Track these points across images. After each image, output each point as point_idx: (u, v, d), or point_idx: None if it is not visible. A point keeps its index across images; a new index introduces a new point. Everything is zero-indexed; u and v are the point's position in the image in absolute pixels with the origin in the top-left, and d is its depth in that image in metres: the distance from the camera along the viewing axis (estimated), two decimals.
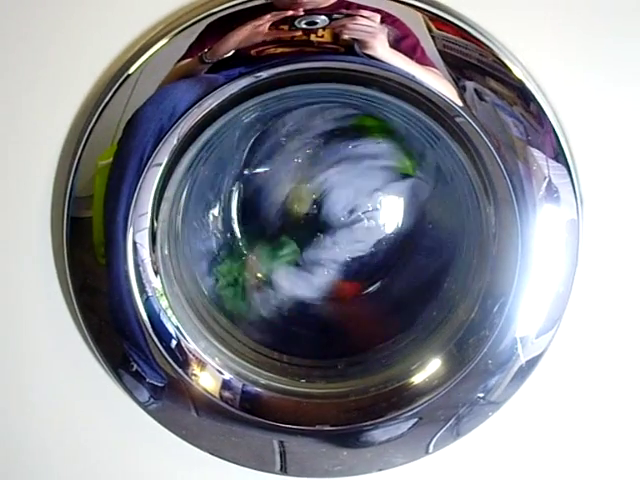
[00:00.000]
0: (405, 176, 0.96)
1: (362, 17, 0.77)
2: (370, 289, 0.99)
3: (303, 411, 0.89)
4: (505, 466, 0.93)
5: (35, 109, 0.80)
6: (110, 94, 0.79)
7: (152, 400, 0.87)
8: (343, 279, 0.98)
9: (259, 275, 0.99)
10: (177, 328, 0.87)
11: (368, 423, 0.88)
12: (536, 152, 0.80)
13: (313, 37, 0.77)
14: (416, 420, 0.87)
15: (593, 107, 0.80)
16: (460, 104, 0.79)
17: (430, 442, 0.88)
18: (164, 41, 0.78)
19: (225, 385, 0.88)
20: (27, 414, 0.91)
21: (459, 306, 0.89)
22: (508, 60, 0.79)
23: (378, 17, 0.77)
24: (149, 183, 0.82)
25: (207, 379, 0.88)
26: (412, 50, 0.78)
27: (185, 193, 0.91)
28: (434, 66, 0.78)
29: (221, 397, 0.88)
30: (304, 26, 0.77)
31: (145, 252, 0.84)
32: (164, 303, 0.87)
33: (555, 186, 0.81)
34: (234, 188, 0.97)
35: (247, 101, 0.82)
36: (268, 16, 0.77)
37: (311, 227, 0.97)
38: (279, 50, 0.77)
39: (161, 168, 0.82)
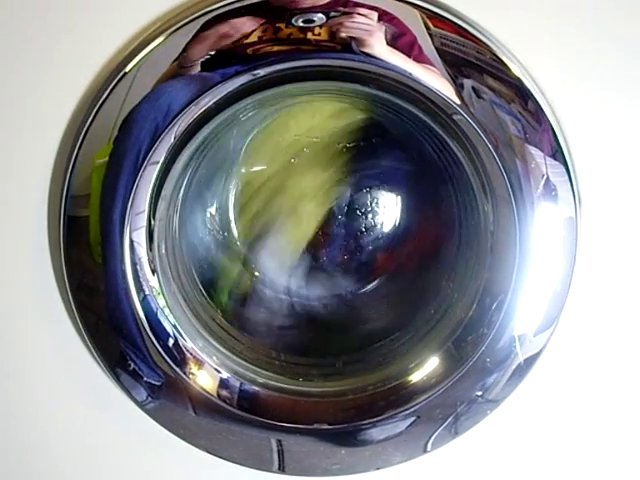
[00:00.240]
0: (403, 174, 0.96)
1: (359, 15, 0.77)
2: (368, 287, 0.99)
3: (301, 410, 0.88)
4: (503, 464, 0.93)
5: (31, 108, 0.80)
6: (107, 92, 0.79)
7: (150, 399, 0.86)
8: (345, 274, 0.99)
9: (256, 274, 0.99)
10: (174, 327, 0.87)
11: (366, 422, 0.87)
12: (534, 150, 0.80)
13: (310, 35, 0.77)
14: (414, 418, 0.87)
15: (591, 105, 0.80)
16: (458, 102, 0.79)
17: (428, 440, 0.87)
18: (161, 39, 0.78)
19: (223, 384, 0.88)
20: (24, 414, 0.90)
21: (457, 304, 0.89)
22: (506, 58, 0.78)
23: (375, 15, 0.77)
24: (146, 181, 0.81)
25: (205, 378, 0.88)
26: (409, 48, 0.77)
27: (182, 191, 0.91)
28: (431, 64, 0.78)
29: (219, 396, 0.88)
30: (301, 24, 0.76)
31: (142, 251, 0.84)
32: (161, 302, 0.86)
33: (553, 184, 0.80)
34: (231, 186, 0.97)
35: (244, 99, 0.81)
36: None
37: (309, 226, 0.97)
38: (275, 48, 0.77)
39: (158, 166, 0.81)
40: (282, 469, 0.89)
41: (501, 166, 0.80)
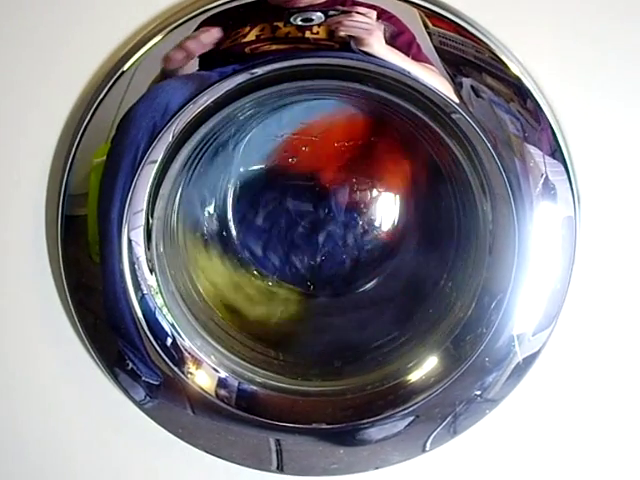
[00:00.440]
0: (402, 173, 0.96)
1: (358, 14, 0.76)
2: (366, 286, 0.99)
3: (299, 409, 0.88)
4: (502, 464, 0.92)
5: (29, 106, 0.80)
6: (104, 91, 0.78)
7: (148, 399, 0.86)
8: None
9: (255, 272, 0.99)
10: (172, 326, 0.87)
11: (365, 421, 0.87)
12: (533, 149, 0.80)
13: (308, 34, 0.77)
14: (413, 418, 0.87)
15: (590, 104, 0.80)
16: (456, 101, 0.79)
17: (427, 440, 0.87)
18: (158, 38, 0.77)
19: (221, 383, 0.88)
20: (22, 413, 0.90)
21: (456, 303, 0.89)
22: (505, 56, 0.78)
23: (374, 14, 0.77)
24: (144, 180, 0.81)
25: (203, 377, 0.88)
26: (408, 47, 0.77)
27: (180, 190, 0.91)
28: (430, 63, 0.78)
29: (217, 395, 0.88)
30: (300, 23, 0.76)
31: (140, 250, 0.84)
32: (159, 301, 0.86)
33: (552, 183, 0.80)
34: (230, 185, 0.97)
35: (242, 98, 0.81)
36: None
37: (308, 224, 0.97)
38: (274, 47, 0.77)
39: (156, 165, 0.81)
40: (281, 469, 0.89)
41: (500, 165, 0.80)
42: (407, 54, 0.77)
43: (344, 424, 0.88)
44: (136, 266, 0.84)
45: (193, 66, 0.77)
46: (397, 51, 0.77)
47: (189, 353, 0.87)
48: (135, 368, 0.85)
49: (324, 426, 0.88)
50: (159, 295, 0.86)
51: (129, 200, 0.81)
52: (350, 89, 0.85)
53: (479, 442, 0.90)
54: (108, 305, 0.84)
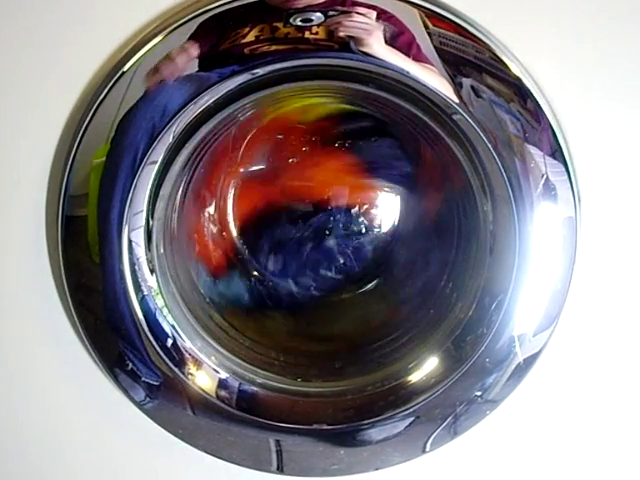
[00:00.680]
0: (402, 173, 0.96)
1: (358, 14, 0.76)
2: (367, 287, 0.99)
3: (300, 410, 0.88)
4: (503, 465, 0.92)
5: (29, 107, 0.80)
6: (105, 92, 0.78)
7: (148, 399, 0.86)
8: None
9: (255, 274, 0.99)
10: (173, 327, 0.87)
11: (365, 422, 0.87)
12: (533, 149, 0.79)
13: (307, 34, 0.76)
14: (413, 419, 0.87)
15: (591, 104, 0.80)
16: (456, 101, 0.78)
17: (427, 441, 0.87)
18: (159, 38, 0.77)
19: (221, 384, 0.88)
20: (22, 413, 0.90)
21: (456, 304, 0.89)
22: (505, 57, 0.78)
23: (374, 14, 0.76)
24: (144, 181, 0.81)
25: (203, 378, 0.88)
26: (408, 47, 0.77)
27: (181, 191, 0.91)
28: (430, 63, 0.77)
29: (217, 396, 0.88)
30: (299, 23, 0.76)
31: (140, 251, 0.84)
32: (160, 302, 0.86)
33: (552, 183, 0.80)
34: (230, 186, 0.97)
35: (243, 98, 0.81)
36: None
37: (308, 226, 0.97)
38: (273, 48, 0.77)
39: (156, 166, 0.81)
40: (281, 469, 0.89)
41: (500, 165, 0.80)
42: (407, 54, 0.77)
43: (344, 425, 0.88)
44: (136, 267, 0.84)
45: (193, 67, 0.77)
46: (397, 51, 0.77)
47: (189, 354, 0.87)
48: (135, 369, 0.85)
49: (324, 427, 0.88)
50: (160, 296, 0.86)
51: (129, 201, 0.81)
52: (350, 89, 0.85)
53: (479, 443, 0.90)
54: (108, 306, 0.84)
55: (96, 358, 0.85)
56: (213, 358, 0.89)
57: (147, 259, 0.85)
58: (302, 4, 0.76)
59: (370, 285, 0.99)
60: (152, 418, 0.87)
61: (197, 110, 0.80)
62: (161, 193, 0.84)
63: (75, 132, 0.80)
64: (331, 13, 0.76)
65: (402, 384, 0.88)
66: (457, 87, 0.78)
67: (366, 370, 0.91)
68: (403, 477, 0.91)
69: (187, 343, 0.88)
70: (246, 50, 0.77)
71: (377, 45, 0.77)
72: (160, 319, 0.86)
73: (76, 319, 0.84)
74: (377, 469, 0.89)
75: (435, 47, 0.78)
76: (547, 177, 0.80)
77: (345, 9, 0.76)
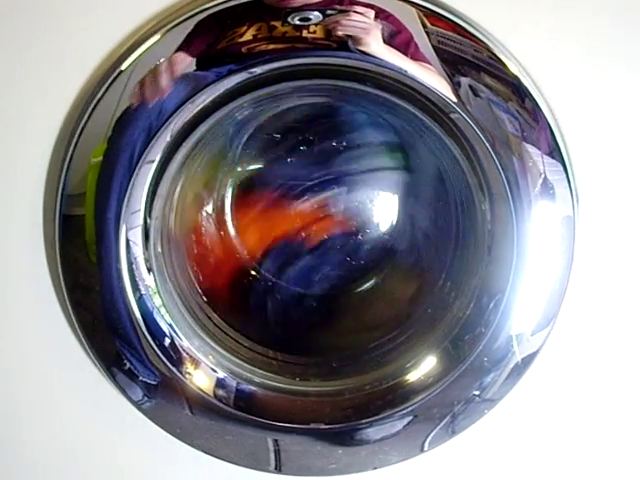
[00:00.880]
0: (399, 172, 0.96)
1: (356, 13, 0.76)
2: (365, 286, 0.99)
3: (298, 409, 0.88)
4: (501, 464, 0.92)
5: (26, 106, 0.80)
6: (102, 91, 0.78)
7: (146, 399, 0.86)
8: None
9: (253, 273, 0.99)
10: (170, 326, 0.87)
11: (363, 421, 0.87)
12: (531, 148, 0.79)
13: (305, 33, 0.76)
14: (411, 418, 0.87)
15: (589, 103, 0.80)
16: (454, 100, 0.78)
17: (425, 440, 0.87)
18: (156, 37, 0.77)
19: (219, 383, 0.88)
20: (19, 413, 0.90)
21: (454, 303, 0.89)
22: (503, 56, 0.78)
23: (372, 13, 0.76)
24: (142, 180, 0.81)
25: (201, 377, 0.88)
26: (406, 46, 0.77)
27: (178, 190, 0.91)
28: (428, 62, 0.77)
29: (215, 395, 0.87)
30: (297, 22, 0.76)
31: (138, 250, 0.84)
32: (157, 301, 0.86)
33: (550, 182, 0.80)
34: (228, 185, 0.97)
35: (240, 98, 0.81)
36: None
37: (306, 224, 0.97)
38: (270, 46, 0.77)
39: (154, 165, 0.81)
40: (279, 469, 0.89)
41: (498, 164, 0.80)
42: (405, 53, 0.77)
43: (342, 424, 0.88)
44: (134, 266, 0.84)
45: (190, 66, 0.77)
46: (395, 50, 0.77)
47: (187, 353, 0.87)
48: (133, 368, 0.85)
49: (322, 426, 0.88)
50: (157, 295, 0.86)
51: (127, 200, 0.81)
52: (348, 89, 0.84)
53: (477, 442, 0.90)
54: (106, 305, 0.83)
55: (94, 358, 0.85)
56: (211, 357, 0.89)
57: (144, 258, 0.85)
58: (300, 3, 0.76)
59: (368, 284, 0.99)
60: (150, 418, 0.87)
61: (194, 109, 0.79)
62: (159, 192, 0.84)
63: (72, 131, 0.79)
64: (329, 12, 0.76)
65: (400, 383, 0.88)
66: (455, 86, 0.78)
67: (364, 369, 0.91)
68: (401, 476, 0.91)
69: (185, 342, 0.87)
70: (243, 49, 0.77)
71: (375, 44, 0.76)
72: (158, 318, 0.86)
73: (73, 318, 0.84)
74: (375, 468, 0.89)
75: (433, 46, 0.77)
76: (545, 176, 0.80)
77: (343, 8, 0.76)
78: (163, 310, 0.86)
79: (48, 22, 0.78)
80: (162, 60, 0.77)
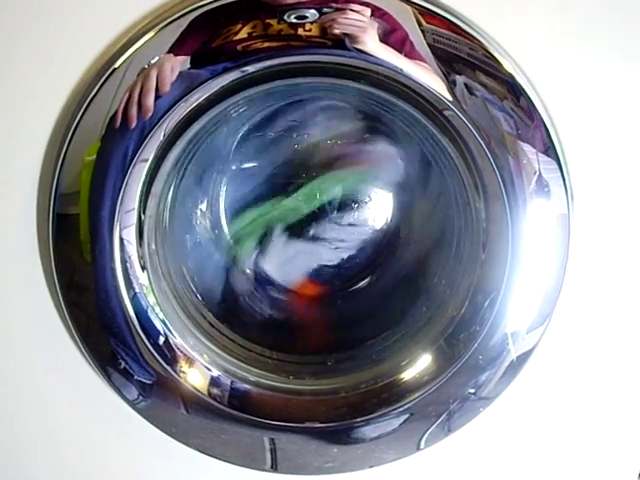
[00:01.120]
0: (395, 171, 0.96)
1: (352, 11, 0.76)
2: (359, 285, 0.99)
3: (293, 408, 0.88)
4: (496, 462, 0.93)
5: (20, 104, 0.79)
6: (96, 89, 0.78)
7: (141, 398, 0.86)
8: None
9: (247, 271, 0.98)
10: (165, 325, 0.87)
11: (359, 420, 0.87)
12: (526, 146, 0.80)
13: (301, 31, 0.76)
14: (407, 416, 0.87)
15: (583, 101, 0.80)
16: (450, 98, 0.78)
17: (421, 438, 0.87)
18: (150, 35, 0.77)
19: (213, 382, 0.88)
20: (14, 412, 0.90)
21: (449, 301, 0.89)
22: (498, 54, 0.78)
23: (368, 11, 0.76)
24: (136, 178, 0.81)
25: (195, 376, 0.87)
26: (401, 44, 0.77)
27: (172, 188, 0.91)
28: (424, 60, 0.77)
29: (210, 394, 0.87)
30: (293, 20, 0.76)
31: (132, 248, 0.84)
32: (151, 299, 0.86)
33: (545, 180, 0.80)
34: (222, 183, 0.97)
35: (234, 96, 0.81)
36: None
37: (300, 222, 0.97)
38: (266, 44, 0.76)
39: (148, 164, 0.81)
40: (275, 467, 0.89)
41: (493, 163, 0.80)
42: (400, 52, 0.77)
43: (338, 423, 0.88)
44: (128, 264, 0.84)
45: (184, 64, 0.77)
46: (391, 49, 0.77)
47: (181, 352, 0.87)
48: (128, 367, 0.85)
49: (318, 425, 0.88)
50: (151, 293, 0.86)
51: (121, 198, 0.80)
52: (343, 86, 0.84)
53: (473, 440, 0.90)
54: (100, 304, 0.83)
55: (88, 357, 0.85)
56: (205, 356, 0.89)
57: (139, 256, 0.84)
58: (295, 0, 0.76)
59: (362, 283, 0.99)
60: (145, 417, 0.87)
61: (188, 107, 0.79)
62: (152, 191, 0.83)
63: (66, 129, 0.79)
64: (325, 10, 0.76)
65: (395, 382, 0.88)
66: (450, 84, 0.78)
67: (359, 368, 0.91)
68: (397, 474, 0.91)
69: (179, 341, 0.87)
70: (238, 47, 0.77)
71: (371, 42, 0.76)
72: (152, 317, 0.86)
73: (68, 318, 0.84)
74: (371, 467, 0.89)
75: (428, 44, 0.77)
76: (540, 174, 0.80)
77: (339, 6, 0.76)
78: (157, 309, 0.86)
79: (41, 20, 0.77)
80: (156, 58, 0.77)
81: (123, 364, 0.85)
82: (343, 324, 0.98)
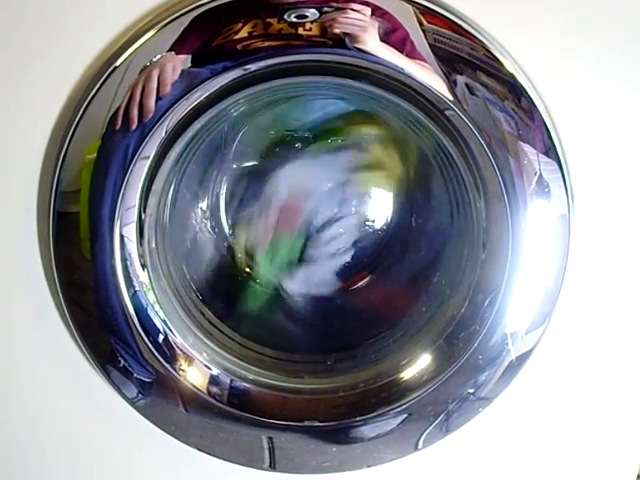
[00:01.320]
0: (396, 170, 0.96)
1: (352, 10, 0.76)
2: (359, 284, 0.99)
3: (292, 407, 0.88)
4: (495, 462, 0.93)
5: (20, 102, 0.79)
6: (97, 87, 0.78)
7: (140, 396, 0.86)
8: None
9: (247, 270, 0.98)
10: (164, 323, 0.87)
11: (357, 419, 0.87)
12: (527, 147, 0.79)
13: (301, 30, 0.76)
14: (405, 416, 0.87)
15: (584, 102, 0.80)
16: (450, 98, 0.78)
17: (420, 438, 0.87)
18: (151, 33, 0.77)
19: (213, 380, 0.88)
20: (14, 411, 0.90)
21: (449, 301, 0.89)
22: (499, 54, 0.78)
23: (368, 10, 0.76)
24: (136, 176, 0.81)
25: (195, 374, 0.87)
26: (402, 43, 0.77)
27: (173, 186, 0.91)
28: (424, 60, 0.77)
29: (209, 392, 0.87)
30: (293, 19, 0.76)
31: (132, 246, 0.84)
32: (151, 297, 0.86)
33: (546, 181, 0.80)
34: (223, 182, 0.97)
35: (235, 94, 0.81)
36: None
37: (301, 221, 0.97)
38: (266, 44, 0.76)
39: (149, 161, 0.81)
40: (273, 466, 0.89)
41: (494, 163, 0.80)
42: (401, 51, 0.77)
43: (336, 422, 0.88)
44: (128, 262, 0.84)
45: (185, 63, 0.77)
46: (391, 48, 0.77)
47: (181, 350, 0.87)
48: (127, 365, 0.85)
49: (316, 424, 0.88)
50: (151, 292, 0.86)
51: (121, 196, 0.80)
52: (344, 86, 0.84)
53: (472, 440, 0.90)
54: (100, 302, 0.83)
55: (88, 355, 0.85)
56: (205, 354, 0.89)
57: (139, 254, 0.84)
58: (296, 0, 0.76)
59: (362, 282, 0.99)
60: (144, 415, 0.87)
61: (189, 106, 0.79)
62: (153, 188, 0.83)
63: (67, 127, 0.79)
64: (326, 9, 0.76)
65: (394, 381, 0.88)
66: (451, 84, 0.78)
67: (358, 367, 0.91)
68: (395, 474, 0.91)
69: (178, 339, 0.87)
70: (239, 46, 0.77)
71: (372, 42, 0.76)
72: (152, 315, 0.86)
73: (68, 316, 0.84)
74: (369, 466, 0.89)
75: (429, 44, 0.77)
76: (540, 175, 0.80)
77: (340, 5, 0.76)
78: (157, 306, 0.86)
79: (42, 18, 0.77)
80: (158, 56, 0.77)
81: (122, 362, 0.85)
82: (343, 324, 0.98)
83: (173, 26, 0.77)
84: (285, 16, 0.76)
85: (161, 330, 0.86)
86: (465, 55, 0.78)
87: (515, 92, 0.78)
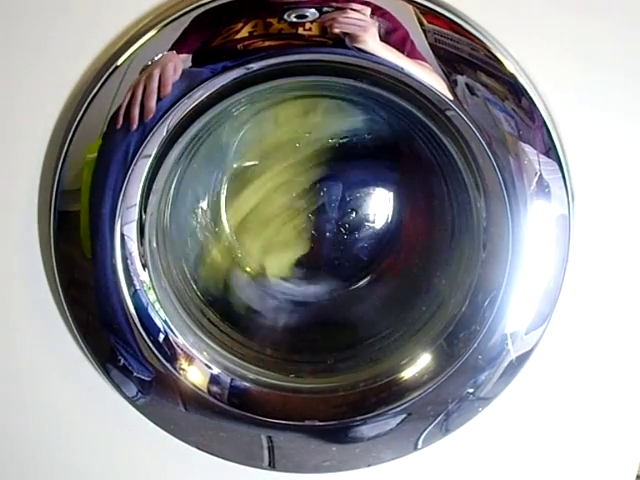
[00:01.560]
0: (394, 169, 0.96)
1: (352, 10, 0.76)
2: (360, 284, 0.99)
3: (292, 406, 0.88)
4: (494, 462, 0.93)
5: (22, 102, 0.79)
6: (98, 86, 0.78)
7: (140, 395, 0.86)
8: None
9: (248, 269, 0.98)
10: (165, 322, 0.87)
11: (357, 418, 0.87)
12: (527, 147, 0.79)
13: (301, 30, 0.76)
14: (405, 415, 0.87)
15: (585, 102, 0.80)
16: (451, 98, 0.78)
17: (419, 438, 0.87)
18: (152, 33, 0.77)
19: (213, 380, 0.88)
20: (14, 409, 0.90)
21: (449, 301, 0.89)
22: (500, 54, 0.78)
23: (368, 10, 0.76)
24: (137, 175, 0.81)
25: (195, 373, 0.88)
26: (402, 43, 0.77)
27: (174, 185, 0.91)
28: (425, 60, 0.77)
29: (209, 392, 0.88)
30: (294, 19, 0.76)
31: (133, 245, 0.84)
32: (152, 296, 0.86)
33: (546, 181, 0.80)
34: (223, 181, 0.97)
35: (236, 94, 0.81)
36: None
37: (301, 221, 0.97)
38: (266, 43, 0.76)
39: (150, 160, 0.81)
40: (272, 465, 0.89)
41: (494, 163, 0.80)
42: (401, 51, 0.77)
43: (336, 421, 0.88)
44: (129, 261, 0.84)
45: (186, 63, 0.77)
46: (391, 48, 0.77)
47: (181, 349, 0.87)
48: (127, 364, 0.85)
49: (316, 423, 0.88)
50: (152, 291, 0.86)
51: (122, 195, 0.80)
52: (344, 86, 0.84)
53: (471, 440, 0.90)
54: (100, 301, 0.83)
55: (88, 354, 0.85)
56: (205, 353, 0.89)
57: (139, 253, 0.84)
58: None
59: (362, 282, 0.99)
60: (144, 414, 0.87)
61: (190, 105, 0.79)
62: (154, 187, 0.83)
63: (68, 127, 0.79)
64: (326, 9, 0.76)
65: (394, 381, 0.88)
66: (452, 84, 0.78)
67: (358, 367, 0.91)
68: (395, 474, 0.91)
69: (179, 338, 0.87)
70: (239, 46, 0.77)
71: (372, 42, 0.76)
72: (152, 314, 0.86)
73: (68, 315, 0.84)
74: (369, 466, 0.89)
75: (430, 44, 0.77)
76: (541, 175, 0.80)
77: (340, 5, 0.76)
78: (157, 306, 0.86)
79: (43, 18, 0.77)
80: (159, 55, 0.77)
81: (123, 361, 0.85)
82: (343, 323, 0.98)
83: (174, 26, 0.77)
84: (285, 16, 0.76)
85: (161, 329, 0.86)
86: (465, 55, 0.78)
87: (515, 92, 0.78)
